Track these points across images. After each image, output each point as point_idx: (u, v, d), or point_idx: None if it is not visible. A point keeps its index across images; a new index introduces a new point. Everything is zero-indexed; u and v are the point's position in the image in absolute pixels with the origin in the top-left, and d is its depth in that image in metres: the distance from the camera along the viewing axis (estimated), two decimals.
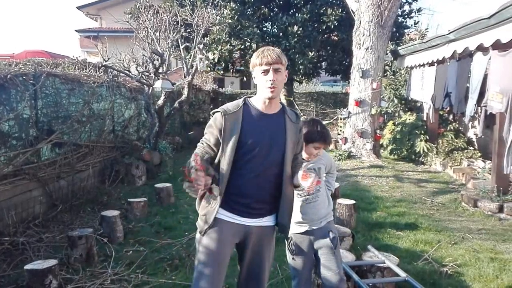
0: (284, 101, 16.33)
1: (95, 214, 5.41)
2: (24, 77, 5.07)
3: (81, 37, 23.15)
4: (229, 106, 2.21)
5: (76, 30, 22.74)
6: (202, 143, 2.21)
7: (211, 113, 2.26)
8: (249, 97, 2.28)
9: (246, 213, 2.17)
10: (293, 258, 2.72)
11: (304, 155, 2.53)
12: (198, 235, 2.23)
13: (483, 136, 6.51)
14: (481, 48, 5.80)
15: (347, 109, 10.71)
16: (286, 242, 2.72)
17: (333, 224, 2.79)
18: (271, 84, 2.10)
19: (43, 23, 76.19)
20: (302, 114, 17.64)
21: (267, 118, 2.18)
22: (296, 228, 2.67)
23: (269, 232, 2.26)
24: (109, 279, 3.53)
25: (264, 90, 2.14)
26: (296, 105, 17.27)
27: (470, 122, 9.10)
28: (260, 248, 2.24)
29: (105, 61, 7.46)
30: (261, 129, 2.15)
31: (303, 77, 16.08)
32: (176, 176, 7.49)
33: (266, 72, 2.12)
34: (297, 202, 2.61)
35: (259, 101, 2.20)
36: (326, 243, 2.62)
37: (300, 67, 13.66)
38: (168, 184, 6.21)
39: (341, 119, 13.40)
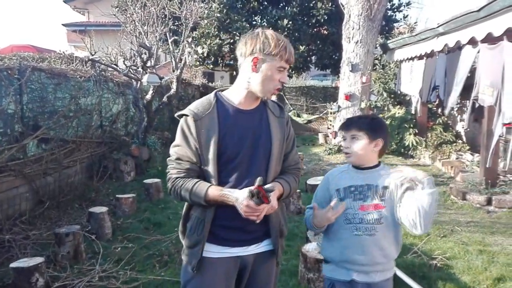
0: (273, 97, 16.31)
1: (83, 210, 5.34)
2: (8, 72, 4.96)
3: (68, 31, 22.80)
4: (199, 106, 1.76)
5: (63, 24, 22.40)
6: (181, 173, 1.82)
7: (175, 115, 1.83)
8: (221, 90, 1.87)
9: (239, 241, 1.78)
10: None
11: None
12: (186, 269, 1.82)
13: (468, 129, 6.53)
14: (472, 42, 5.81)
15: (337, 103, 10.71)
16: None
17: (391, 283, 1.97)
18: (281, 86, 1.78)
19: (30, 17, 75.00)
20: (292, 108, 17.63)
21: (246, 115, 1.79)
22: (338, 271, 1.93)
23: (269, 258, 1.86)
24: (97, 276, 3.49)
25: (267, 88, 1.75)
26: (286, 100, 17.23)
27: (459, 116, 9.18)
28: (258, 279, 1.85)
29: (92, 55, 7.35)
30: (240, 130, 1.76)
31: (293, 71, 16.03)
32: (165, 171, 7.43)
33: (282, 70, 1.75)
34: (343, 232, 1.91)
35: (237, 94, 1.80)
36: None
37: None
38: (157, 180, 6.16)
39: (331, 113, 13.40)
